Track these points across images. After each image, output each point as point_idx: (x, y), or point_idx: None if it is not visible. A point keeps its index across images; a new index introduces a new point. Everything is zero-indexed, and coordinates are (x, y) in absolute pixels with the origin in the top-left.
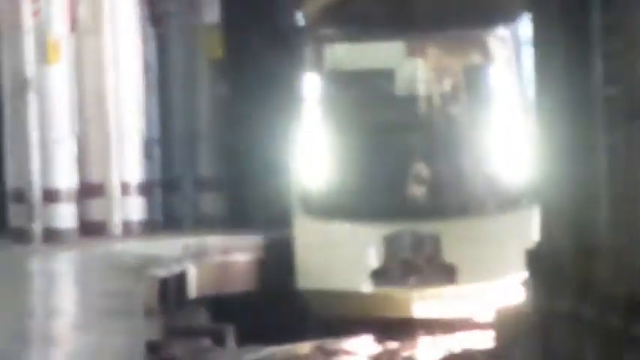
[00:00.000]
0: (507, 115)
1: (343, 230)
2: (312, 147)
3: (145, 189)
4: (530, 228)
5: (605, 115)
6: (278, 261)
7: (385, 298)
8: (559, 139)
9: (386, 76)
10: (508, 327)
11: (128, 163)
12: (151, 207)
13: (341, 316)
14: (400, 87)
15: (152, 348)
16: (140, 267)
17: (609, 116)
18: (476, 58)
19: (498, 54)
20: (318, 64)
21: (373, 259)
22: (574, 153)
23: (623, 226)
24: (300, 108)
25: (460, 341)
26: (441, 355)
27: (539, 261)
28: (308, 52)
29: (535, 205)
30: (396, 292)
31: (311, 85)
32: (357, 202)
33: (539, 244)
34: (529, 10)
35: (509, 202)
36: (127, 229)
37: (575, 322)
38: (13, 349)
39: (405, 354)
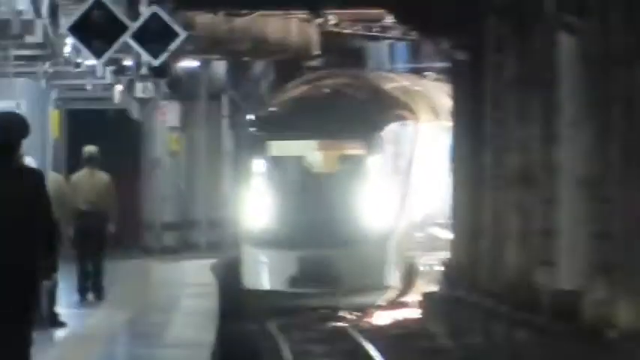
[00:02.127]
0: None
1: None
2: (254, 203)
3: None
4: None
5: None
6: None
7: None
8: None
9: (302, 160)
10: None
11: None
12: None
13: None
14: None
15: None
16: None
17: None
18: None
19: None
20: (263, 151)
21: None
22: None
23: None
24: (245, 179)
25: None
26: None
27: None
28: (256, 143)
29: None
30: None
31: (257, 164)
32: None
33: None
34: None
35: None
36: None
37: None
38: None
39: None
